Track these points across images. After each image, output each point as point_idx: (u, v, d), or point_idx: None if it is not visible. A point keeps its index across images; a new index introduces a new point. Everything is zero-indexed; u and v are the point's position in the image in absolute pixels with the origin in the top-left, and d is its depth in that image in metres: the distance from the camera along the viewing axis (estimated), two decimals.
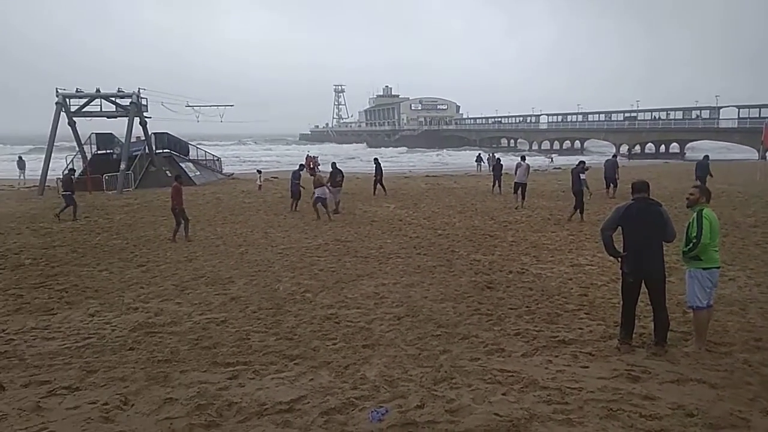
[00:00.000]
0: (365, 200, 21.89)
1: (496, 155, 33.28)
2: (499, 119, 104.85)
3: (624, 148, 69.77)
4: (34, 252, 12.64)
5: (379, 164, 24.39)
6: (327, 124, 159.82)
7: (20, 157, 37.50)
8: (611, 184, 21.26)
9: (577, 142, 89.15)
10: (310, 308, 8.10)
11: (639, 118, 75.76)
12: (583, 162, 17.04)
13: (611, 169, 21.55)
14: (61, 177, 22.80)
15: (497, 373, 5.56)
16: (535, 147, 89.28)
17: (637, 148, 72.35)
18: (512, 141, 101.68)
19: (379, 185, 23.92)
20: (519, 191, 18.98)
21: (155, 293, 9.10)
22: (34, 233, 15.31)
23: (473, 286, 9.10)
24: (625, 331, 6.22)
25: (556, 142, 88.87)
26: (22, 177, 34.51)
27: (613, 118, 79.99)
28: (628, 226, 6.11)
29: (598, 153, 68.93)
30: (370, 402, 5.02)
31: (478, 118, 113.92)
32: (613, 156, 24.19)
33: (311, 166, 31.14)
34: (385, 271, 10.37)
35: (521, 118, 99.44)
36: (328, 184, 18.19)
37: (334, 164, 20.31)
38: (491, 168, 27.39)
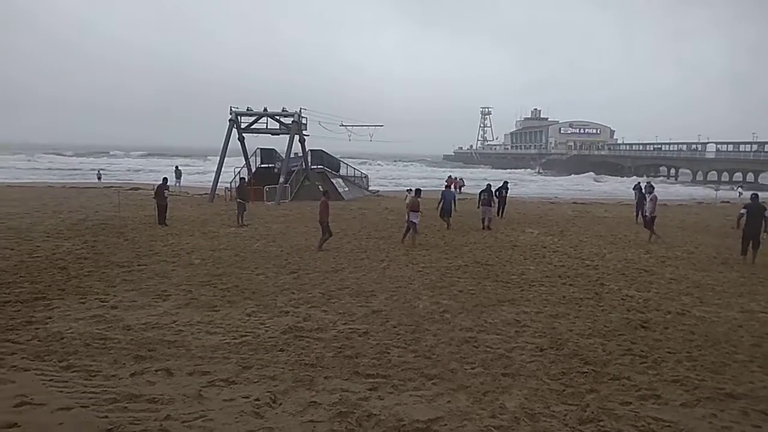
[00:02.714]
0: (507, 224, 21.44)
1: (642, 184, 30.83)
2: (659, 146, 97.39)
3: None
4: (203, 253, 14.04)
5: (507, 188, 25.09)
6: (471, 146, 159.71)
7: (177, 168, 41.41)
8: None
9: (750, 174, 79.89)
10: (449, 329, 8.07)
11: None
12: (756, 194, 14.98)
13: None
14: (235, 186, 25.35)
15: (651, 422, 5.11)
16: (699, 177, 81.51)
17: None
18: (673, 170, 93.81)
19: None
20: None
21: (304, 299, 9.64)
22: (204, 236, 17.03)
23: (625, 323, 8.48)
24: None
25: (724, 174, 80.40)
26: (177, 185, 37.96)
27: None
28: None
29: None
30: None
31: (634, 143, 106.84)
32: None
33: (454, 187, 31.49)
34: (527, 298, 10.04)
35: (685, 146, 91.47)
36: (481, 205, 20.42)
37: (488, 185, 21.70)
38: (635, 197, 25.98)
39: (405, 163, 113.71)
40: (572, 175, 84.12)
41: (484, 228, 19.75)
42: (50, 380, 5.85)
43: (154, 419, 5.08)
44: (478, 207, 20.97)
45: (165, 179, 21.52)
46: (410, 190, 23.79)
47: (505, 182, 25.98)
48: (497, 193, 24.26)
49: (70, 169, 65.83)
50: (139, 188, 36.29)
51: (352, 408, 5.33)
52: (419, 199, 16.81)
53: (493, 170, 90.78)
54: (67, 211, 22.16)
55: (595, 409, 5.36)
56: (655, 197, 17.95)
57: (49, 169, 67.10)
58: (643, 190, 26.71)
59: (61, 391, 5.58)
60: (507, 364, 6.65)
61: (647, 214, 17.85)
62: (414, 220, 16.26)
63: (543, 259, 14.17)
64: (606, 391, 5.85)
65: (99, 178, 48.55)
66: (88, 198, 28.89)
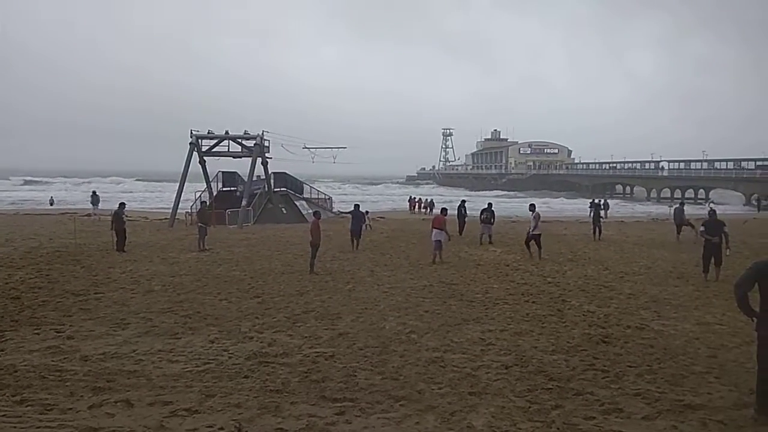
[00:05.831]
0: (470, 243, 21.68)
1: (599, 201, 33.10)
2: (614, 165, 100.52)
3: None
4: (163, 279, 13.73)
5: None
6: (434, 167, 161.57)
7: (94, 192, 39.31)
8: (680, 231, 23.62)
9: (702, 191, 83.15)
10: (416, 349, 8.07)
11: None
12: (713, 211, 15.44)
13: (680, 215, 24.24)
14: (196, 210, 24.93)
15: None
16: (654, 195, 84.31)
17: None
18: (628, 188, 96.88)
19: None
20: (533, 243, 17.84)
21: (269, 324, 9.51)
22: (163, 262, 16.66)
23: (587, 339, 8.64)
24: (763, 401, 5.60)
25: (677, 191, 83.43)
26: (95, 210, 34.96)
27: (743, 166, 73.93)
28: None
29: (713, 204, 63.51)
30: None
31: (591, 163, 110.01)
32: (681, 204, 26.58)
33: (417, 207, 31.95)
34: (492, 316, 10.14)
35: (639, 164, 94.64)
36: (481, 223, 21.79)
37: (490, 204, 23.13)
38: (590, 214, 27.95)
39: (370, 185, 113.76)
40: (532, 194, 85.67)
41: (481, 244, 21.17)
42: (3, 416, 5.60)
43: None
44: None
45: (122, 204, 21.04)
46: (367, 211, 23.82)
47: (463, 201, 27.11)
48: (458, 212, 25.12)
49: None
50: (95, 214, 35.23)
51: None
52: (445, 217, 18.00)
53: (466, 191, 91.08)
54: (20, 239, 21.41)
55: (561, 425, 5.43)
56: (538, 215, 18.11)
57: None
58: (601, 207, 28.21)
59: (15, 427, 5.34)
60: (473, 383, 6.68)
61: (531, 231, 17.83)
62: (438, 238, 16.90)
63: (506, 277, 14.37)
64: (570, 407, 5.93)
65: (51, 204, 47.12)
66: (42, 225, 27.98)
